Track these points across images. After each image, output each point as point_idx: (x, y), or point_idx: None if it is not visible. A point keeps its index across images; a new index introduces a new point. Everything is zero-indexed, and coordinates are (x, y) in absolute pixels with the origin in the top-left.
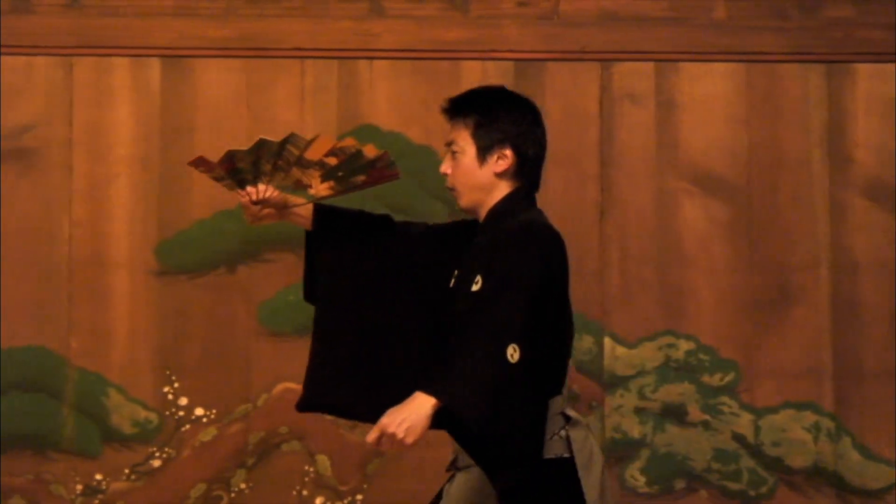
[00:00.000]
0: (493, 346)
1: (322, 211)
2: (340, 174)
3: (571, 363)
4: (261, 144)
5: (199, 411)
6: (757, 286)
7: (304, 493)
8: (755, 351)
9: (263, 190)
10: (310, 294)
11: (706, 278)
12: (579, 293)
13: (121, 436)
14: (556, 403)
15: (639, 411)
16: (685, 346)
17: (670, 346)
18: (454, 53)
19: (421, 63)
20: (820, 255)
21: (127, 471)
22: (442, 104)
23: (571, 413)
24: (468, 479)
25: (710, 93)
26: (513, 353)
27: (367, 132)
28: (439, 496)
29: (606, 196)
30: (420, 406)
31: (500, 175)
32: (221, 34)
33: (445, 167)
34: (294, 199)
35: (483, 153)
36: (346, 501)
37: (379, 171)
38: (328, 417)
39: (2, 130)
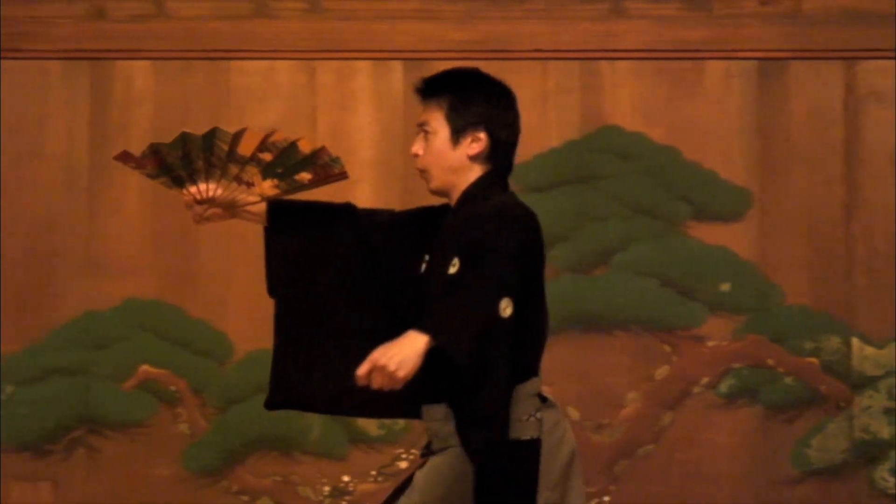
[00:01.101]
0: (487, 297)
1: (276, 207)
2: (280, 171)
3: (818, 363)
4: (184, 138)
5: None
6: None
7: None
8: None
9: (206, 189)
10: (271, 289)
11: None
12: (825, 293)
13: (367, 437)
14: (533, 385)
15: (888, 412)
16: None
17: None
18: (697, 53)
19: (663, 63)
20: None
21: (374, 472)
22: (415, 84)
23: (547, 395)
24: (442, 461)
25: None
26: (505, 308)
27: (610, 133)
28: (409, 481)
29: (852, 196)
30: (413, 342)
31: (473, 158)
32: (463, 37)
33: (417, 148)
34: (243, 197)
35: (456, 135)
36: (593, 503)
37: (323, 168)
38: (574, 418)
39: None
